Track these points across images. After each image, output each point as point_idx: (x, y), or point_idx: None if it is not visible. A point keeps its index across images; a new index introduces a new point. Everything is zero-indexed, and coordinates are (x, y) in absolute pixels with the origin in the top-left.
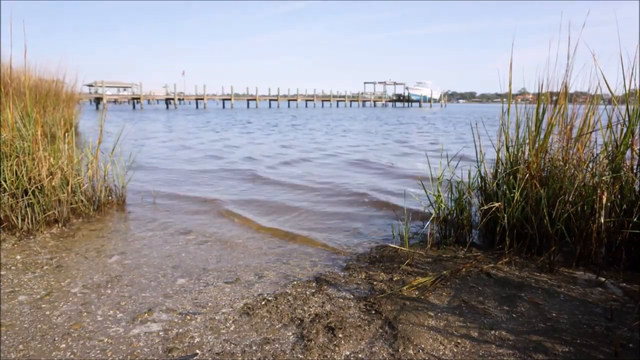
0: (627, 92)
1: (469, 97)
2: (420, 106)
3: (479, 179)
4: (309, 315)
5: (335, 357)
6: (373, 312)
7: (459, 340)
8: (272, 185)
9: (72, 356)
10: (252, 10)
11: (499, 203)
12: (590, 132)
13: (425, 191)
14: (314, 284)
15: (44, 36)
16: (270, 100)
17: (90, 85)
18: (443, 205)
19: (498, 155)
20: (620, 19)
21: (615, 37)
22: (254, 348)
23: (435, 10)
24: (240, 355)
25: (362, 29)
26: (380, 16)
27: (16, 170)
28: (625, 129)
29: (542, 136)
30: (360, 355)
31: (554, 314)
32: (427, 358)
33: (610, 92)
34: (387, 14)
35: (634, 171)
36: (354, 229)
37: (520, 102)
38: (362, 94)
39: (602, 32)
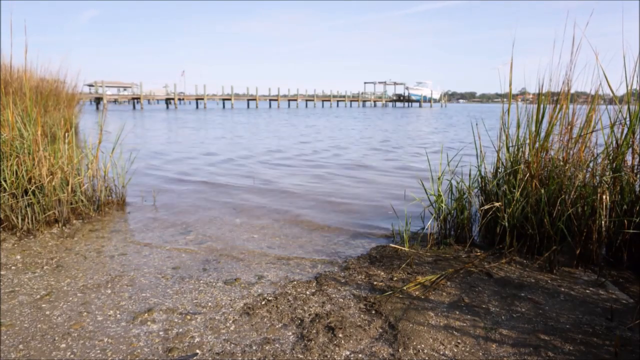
0: (629, 91)
1: (469, 97)
2: (420, 106)
3: (479, 179)
4: (309, 315)
5: (336, 357)
6: (373, 311)
7: (459, 340)
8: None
9: (72, 356)
10: (253, 11)
11: (499, 203)
12: (591, 132)
13: (426, 191)
14: (314, 284)
15: (44, 37)
16: (270, 100)
17: (90, 85)
18: (443, 205)
19: (498, 155)
20: (618, 32)
21: (614, 46)
22: (254, 348)
23: (435, 10)
24: (240, 355)
25: (364, 30)
26: (382, 17)
27: (16, 170)
28: (625, 129)
29: (542, 136)
30: (360, 355)
31: (554, 314)
32: (427, 358)
33: (612, 91)
34: (389, 15)
35: (635, 171)
36: (354, 229)
37: (521, 102)
38: (362, 94)
39: (601, 41)
